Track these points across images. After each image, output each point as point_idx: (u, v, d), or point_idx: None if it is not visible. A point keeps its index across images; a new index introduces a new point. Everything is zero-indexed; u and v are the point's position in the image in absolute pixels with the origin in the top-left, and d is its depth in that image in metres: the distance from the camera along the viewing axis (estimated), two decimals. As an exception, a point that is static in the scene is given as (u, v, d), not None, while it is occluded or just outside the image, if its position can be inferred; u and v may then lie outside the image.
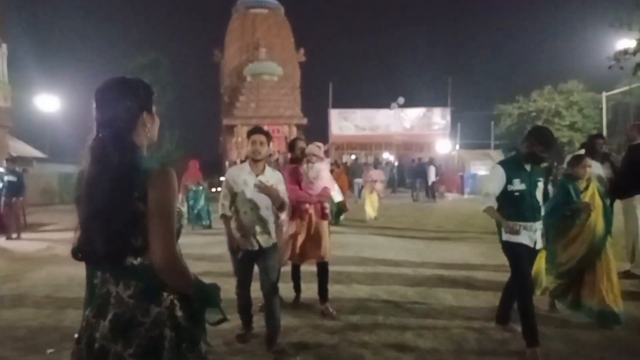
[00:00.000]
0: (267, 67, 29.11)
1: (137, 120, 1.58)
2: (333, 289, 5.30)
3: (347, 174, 14.27)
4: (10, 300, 5.09)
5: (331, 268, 6.34)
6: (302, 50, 33.24)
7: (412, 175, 19.72)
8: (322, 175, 4.53)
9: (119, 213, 1.45)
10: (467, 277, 5.79)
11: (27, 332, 4.05)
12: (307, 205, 4.44)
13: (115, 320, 1.46)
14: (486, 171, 22.38)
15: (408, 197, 19.57)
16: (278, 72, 29.65)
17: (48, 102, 28.92)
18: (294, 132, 28.69)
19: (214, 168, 30.14)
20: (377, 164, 22.73)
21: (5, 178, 10.05)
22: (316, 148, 4.68)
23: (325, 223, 4.58)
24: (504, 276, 5.78)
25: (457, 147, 25.70)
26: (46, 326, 4.18)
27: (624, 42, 21.70)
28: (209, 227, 10.94)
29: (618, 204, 5.92)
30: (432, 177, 18.74)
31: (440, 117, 26.84)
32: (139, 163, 1.51)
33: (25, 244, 9.30)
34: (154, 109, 1.65)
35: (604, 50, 27.97)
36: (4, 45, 11.76)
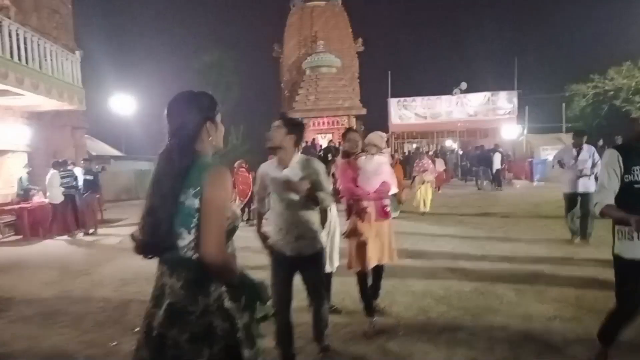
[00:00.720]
0: (324, 59, 29.10)
1: (202, 129, 1.76)
2: (386, 284, 5.18)
3: (403, 164, 13.58)
4: (81, 294, 5.48)
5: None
6: (360, 40, 32.88)
7: (475, 163, 18.96)
8: (381, 170, 3.98)
9: (172, 208, 1.61)
10: (531, 272, 5.46)
11: (94, 325, 4.33)
12: (365, 203, 3.89)
13: (169, 309, 1.60)
14: (558, 156, 21.08)
15: (473, 186, 18.86)
16: (336, 64, 29.55)
17: (123, 103, 30.87)
18: (354, 123, 28.49)
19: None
20: (437, 153, 22.12)
21: (83, 177, 10.81)
22: (378, 137, 4.16)
23: (387, 223, 4.04)
24: (572, 270, 5.43)
25: (525, 132, 24.34)
26: (111, 319, 4.45)
27: None
28: None
29: None
30: (497, 164, 17.89)
31: (506, 101, 25.46)
32: (197, 164, 1.67)
33: (101, 239, 9.98)
34: (217, 118, 1.84)
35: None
36: (78, 52, 12.59)
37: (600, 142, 15.11)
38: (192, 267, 1.62)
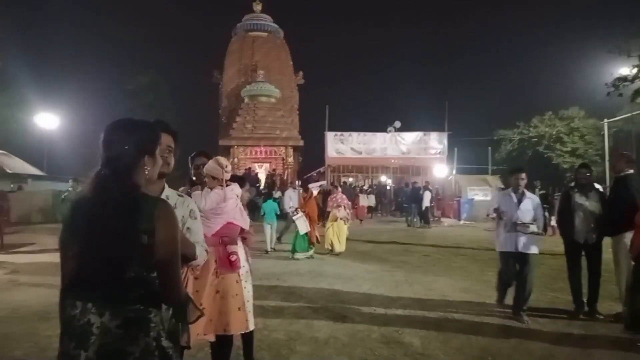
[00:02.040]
0: (264, 88, 29.02)
1: (139, 162, 1.69)
2: (292, 328, 4.84)
3: (317, 201, 12.48)
4: None
5: (299, 302, 5.92)
6: (300, 73, 33.27)
7: (406, 199, 19.28)
8: (224, 208, 3.25)
9: (122, 245, 1.54)
10: (441, 318, 5.28)
11: None
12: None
13: (102, 351, 1.50)
14: (483, 196, 21.94)
15: (403, 222, 19.09)
16: (275, 94, 29.54)
17: (47, 120, 28.91)
18: (291, 154, 28.40)
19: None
20: (362, 188, 22.27)
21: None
22: (215, 166, 3.26)
23: (234, 276, 3.25)
24: (481, 316, 5.32)
25: (454, 171, 25.29)
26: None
27: (623, 70, 21.53)
28: None
29: (607, 241, 5.46)
30: (426, 202, 18.28)
31: (437, 142, 26.48)
32: (141, 198, 1.63)
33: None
34: (157, 151, 1.78)
35: (604, 77, 27.84)
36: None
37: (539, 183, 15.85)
38: (136, 306, 1.56)
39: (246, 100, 29.31)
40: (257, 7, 33.93)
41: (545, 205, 14.76)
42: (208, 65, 34.99)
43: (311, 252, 9.67)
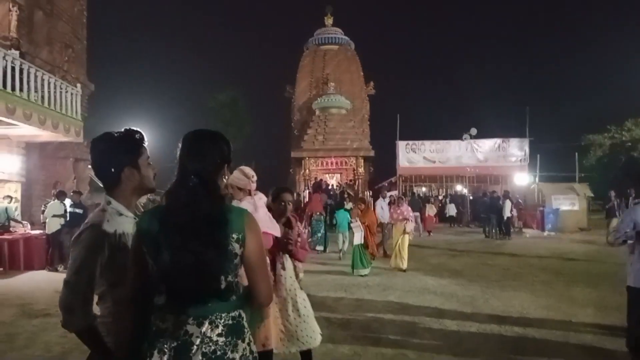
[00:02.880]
0: (334, 100, 29.22)
1: (220, 172, 1.71)
2: (358, 343, 4.71)
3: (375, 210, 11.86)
4: (25, 339, 5.06)
5: (366, 314, 5.78)
6: (371, 84, 33.17)
7: (485, 209, 18.31)
8: (258, 217, 3.22)
9: (217, 255, 1.56)
10: (519, 337, 4.89)
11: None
12: None
13: (207, 358, 1.52)
14: (570, 206, 20.31)
15: (479, 233, 18.17)
16: (346, 106, 29.64)
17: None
18: (361, 164, 28.25)
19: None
20: (429, 198, 21.36)
21: (70, 210, 10.55)
22: (240, 176, 3.20)
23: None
24: (566, 336, 4.84)
25: (537, 180, 23.70)
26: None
27: None
28: (324, 251, 12.24)
29: None
30: (507, 212, 17.25)
31: (517, 149, 25.02)
32: (232, 208, 1.68)
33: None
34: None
35: None
36: (79, 85, 12.66)
37: (612, 194, 14.43)
38: (233, 312, 1.61)
39: (317, 112, 29.68)
40: (329, 21, 34.44)
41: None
42: (281, 80, 35.88)
43: (368, 269, 8.91)
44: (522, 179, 24.41)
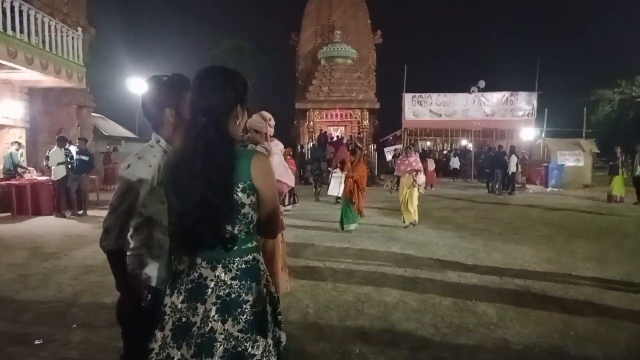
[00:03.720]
0: (340, 50, 28.43)
1: (232, 111, 1.63)
2: (361, 290, 4.84)
3: (367, 163, 11.11)
4: (38, 280, 5.20)
5: (367, 267, 5.89)
6: (378, 33, 32.14)
7: (490, 164, 18.25)
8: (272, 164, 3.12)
9: (226, 202, 1.53)
10: (521, 288, 5.00)
11: (33, 317, 4.02)
12: None
13: (220, 302, 1.53)
14: (575, 162, 20.21)
15: (483, 188, 18.23)
16: (352, 55, 28.86)
17: (137, 84, 30.77)
18: (367, 117, 27.94)
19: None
20: (429, 152, 21.17)
21: (76, 157, 10.58)
22: (259, 119, 3.13)
23: (278, 237, 3.27)
24: (565, 289, 4.93)
25: (544, 135, 23.46)
26: (53, 313, 4.13)
27: None
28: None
29: None
30: (512, 167, 17.21)
31: (525, 103, 24.53)
32: (240, 154, 1.60)
33: (85, 220, 9.75)
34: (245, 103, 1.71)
35: None
36: (82, 30, 12.34)
37: (618, 150, 14.29)
38: (246, 257, 1.59)
39: (322, 62, 28.98)
40: (335, -35, 32.95)
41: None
42: (286, 27, 34.84)
43: (356, 224, 8.54)
44: (529, 134, 24.18)
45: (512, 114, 24.59)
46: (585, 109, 23.65)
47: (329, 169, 12.68)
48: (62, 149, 10.22)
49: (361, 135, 26.54)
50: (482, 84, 24.38)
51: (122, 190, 1.83)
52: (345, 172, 9.16)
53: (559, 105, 26.73)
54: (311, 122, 27.88)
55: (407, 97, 24.73)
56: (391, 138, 30.12)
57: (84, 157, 10.83)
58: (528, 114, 24.41)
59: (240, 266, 1.58)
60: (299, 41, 32.43)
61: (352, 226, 8.47)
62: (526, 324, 3.97)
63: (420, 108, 24.86)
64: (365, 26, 31.53)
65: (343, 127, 28.99)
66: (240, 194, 1.55)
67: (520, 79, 27.76)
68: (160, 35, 39.28)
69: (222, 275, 1.55)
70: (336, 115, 28.61)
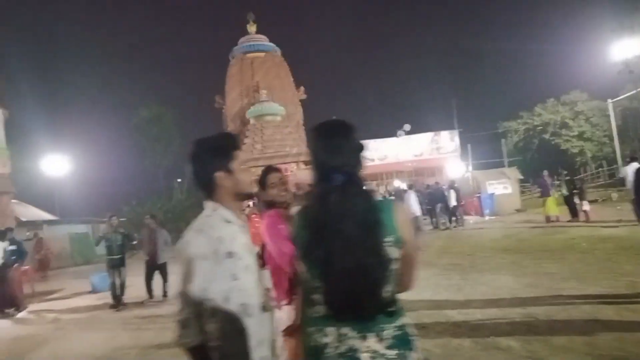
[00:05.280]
0: (269, 108, 28.99)
1: (361, 165, 1.60)
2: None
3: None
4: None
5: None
6: (301, 89, 33.26)
7: (430, 201, 18.89)
8: None
9: (378, 263, 1.44)
10: (527, 318, 5.01)
11: None
12: None
13: None
14: (503, 190, 21.57)
15: (427, 225, 18.72)
16: (280, 112, 29.50)
17: (55, 164, 28.94)
18: (303, 169, 28.23)
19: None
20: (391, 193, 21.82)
21: (6, 248, 9.52)
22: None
23: None
24: (566, 311, 5.03)
25: (470, 168, 25.01)
26: None
27: (628, 45, 21.33)
28: None
29: None
30: (452, 201, 17.95)
31: (449, 140, 26.32)
32: (380, 206, 1.50)
33: (29, 318, 8.65)
34: None
35: (604, 58, 27.66)
36: (0, 111, 11.45)
37: (545, 173, 15.50)
38: (396, 322, 1.48)
39: (252, 121, 29.28)
40: (252, 28, 34.15)
41: (575, 191, 14.49)
42: (209, 92, 35.03)
43: None
44: (457, 169, 25.67)
45: (438, 152, 26.14)
46: (503, 140, 25.68)
47: None
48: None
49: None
50: (407, 127, 25.86)
51: (188, 272, 1.57)
52: None
53: (479, 139, 28.82)
54: (247, 182, 27.61)
55: (340, 147, 25.43)
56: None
57: (12, 247, 9.78)
58: (453, 150, 26.03)
59: (393, 333, 1.44)
60: (225, 103, 32.62)
61: None
62: (555, 352, 3.93)
63: (353, 155, 25.62)
64: (288, 84, 32.53)
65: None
66: (389, 249, 1.44)
67: (440, 120, 29.86)
68: (74, 113, 37.76)
69: (376, 345, 1.41)
70: (271, 172, 28.62)
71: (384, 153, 25.87)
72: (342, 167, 1.51)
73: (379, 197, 1.61)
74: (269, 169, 2.85)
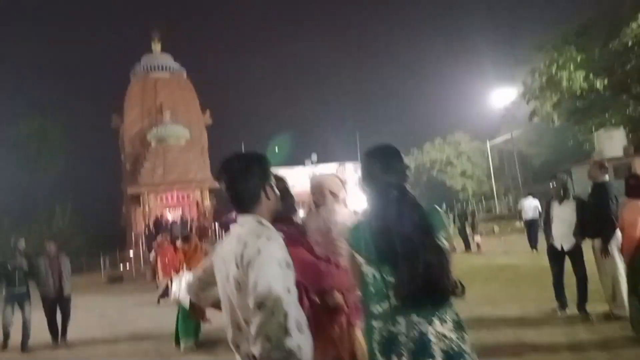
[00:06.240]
0: (172, 130, 27.81)
1: (407, 180, 1.95)
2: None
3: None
4: None
5: None
6: (207, 113, 32.53)
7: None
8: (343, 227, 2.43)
9: (439, 258, 1.73)
10: (509, 339, 5.32)
11: None
12: (337, 295, 2.25)
13: (446, 354, 1.63)
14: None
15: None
16: (185, 135, 28.46)
17: None
18: (207, 197, 27.36)
19: (116, 242, 27.39)
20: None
21: None
22: (336, 181, 2.68)
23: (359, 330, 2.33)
24: (498, 337, 5.03)
25: (372, 199, 26.25)
26: None
27: (507, 93, 24.35)
28: None
29: (587, 244, 5.88)
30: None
31: (353, 171, 27.42)
32: (427, 212, 1.85)
33: None
34: None
35: (485, 103, 31.24)
36: None
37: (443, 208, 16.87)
38: (453, 307, 1.75)
39: (153, 144, 27.82)
40: (156, 46, 32.81)
41: (466, 224, 15.81)
42: (105, 109, 32.71)
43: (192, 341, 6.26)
44: (359, 200, 26.72)
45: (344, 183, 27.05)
46: (401, 174, 27.46)
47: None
48: None
49: (206, 215, 25.77)
50: (314, 157, 26.48)
51: (268, 280, 1.46)
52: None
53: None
54: (147, 207, 25.96)
55: (247, 174, 25.18)
56: (234, 215, 29.82)
57: None
58: (357, 181, 27.15)
59: (452, 317, 1.72)
60: (123, 123, 30.66)
61: (187, 343, 6.18)
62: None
63: (260, 183, 25.51)
64: (194, 107, 31.64)
65: (180, 209, 27.72)
66: (444, 242, 1.78)
67: (346, 150, 30.97)
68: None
69: (440, 328, 1.67)
70: (172, 198, 27.31)
71: (292, 182, 26.08)
72: (397, 183, 1.83)
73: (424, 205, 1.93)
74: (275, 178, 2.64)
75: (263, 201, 1.76)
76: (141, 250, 20.23)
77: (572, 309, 5.89)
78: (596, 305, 5.78)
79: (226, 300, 1.70)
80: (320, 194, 2.70)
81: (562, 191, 5.97)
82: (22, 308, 7.18)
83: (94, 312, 10.43)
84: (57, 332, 7.33)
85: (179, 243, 7.82)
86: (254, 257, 1.52)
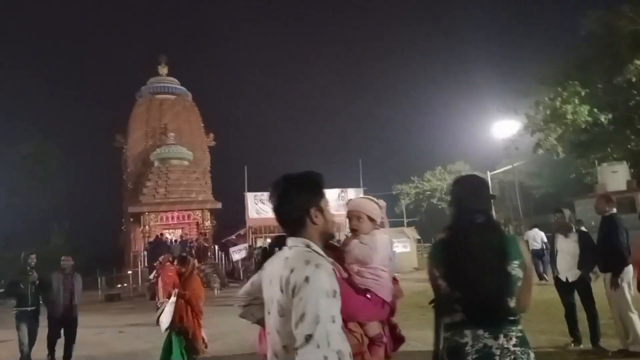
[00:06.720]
0: (176, 151, 27.93)
1: (492, 208, 2.24)
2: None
3: (202, 277, 9.51)
4: None
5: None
6: (211, 135, 32.80)
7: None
8: (383, 255, 2.35)
9: (506, 282, 1.92)
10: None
11: None
12: (376, 326, 2.26)
13: None
14: (403, 248, 22.81)
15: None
16: (188, 157, 28.57)
17: None
18: (208, 217, 27.26)
19: (113, 261, 27.20)
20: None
21: None
22: (374, 205, 2.52)
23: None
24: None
25: (373, 226, 26.14)
26: None
27: (509, 125, 24.55)
28: None
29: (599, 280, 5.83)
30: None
31: (354, 198, 27.52)
32: (507, 239, 2.04)
33: None
34: None
35: (486, 134, 31.48)
36: None
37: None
38: (519, 326, 1.91)
39: (156, 163, 27.89)
40: (163, 70, 33.32)
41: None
42: (109, 130, 32.85)
43: None
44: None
45: (344, 209, 26.96)
46: (402, 200, 27.43)
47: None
48: None
49: (206, 236, 25.65)
50: (316, 182, 26.48)
51: (316, 310, 1.44)
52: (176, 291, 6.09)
53: (383, 199, 30.39)
54: (146, 226, 25.84)
55: (250, 197, 25.20)
56: (234, 237, 29.74)
57: None
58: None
59: (517, 334, 1.88)
60: (127, 143, 30.83)
61: None
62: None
63: (262, 206, 25.39)
64: (198, 129, 31.90)
65: (180, 230, 27.58)
66: (516, 270, 1.93)
67: (349, 177, 31.00)
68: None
69: (505, 343, 1.84)
70: (173, 218, 27.21)
71: (293, 206, 26.11)
72: (483, 210, 2.05)
73: (507, 233, 2.15)
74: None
75: (308, 225, 1.69)
76: (140, 270, 20.07)
77: (586, 344, 5.81)
78: (611, 340, 5.71)
79: (269, 321, 1.68)
80: (358, 219, 2.51)
81: (566, 224, 5.95)
82: (32, 329, 6.92)
83: (91, 331, 10.27)
84: (54, 353, 7.09)
85: (175, 264, 7.55)
86: (302, 286, 1.49)
